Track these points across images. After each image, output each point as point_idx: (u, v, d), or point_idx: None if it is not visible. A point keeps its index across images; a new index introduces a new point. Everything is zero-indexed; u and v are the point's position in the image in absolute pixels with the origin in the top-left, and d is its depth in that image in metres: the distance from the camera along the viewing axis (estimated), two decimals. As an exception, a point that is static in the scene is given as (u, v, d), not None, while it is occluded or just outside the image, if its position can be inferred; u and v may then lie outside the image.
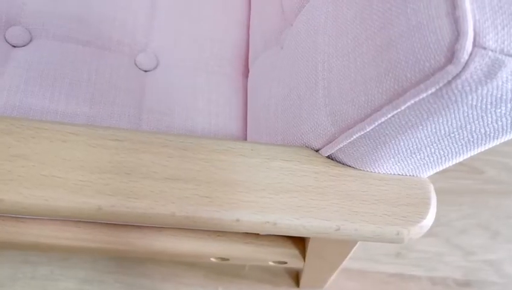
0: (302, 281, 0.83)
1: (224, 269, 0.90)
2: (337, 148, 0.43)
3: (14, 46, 0.62)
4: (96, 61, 0.64)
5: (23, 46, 0.63)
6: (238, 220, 0.42)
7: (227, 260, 0.68)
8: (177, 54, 0.68)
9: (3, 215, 0.61)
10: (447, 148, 0.40)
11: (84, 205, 0.40)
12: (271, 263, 0.70)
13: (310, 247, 0.61)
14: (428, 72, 0.32)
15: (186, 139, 0.44)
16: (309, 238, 0.67)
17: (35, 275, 0.85)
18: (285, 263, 0.69)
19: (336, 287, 0.91)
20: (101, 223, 0.64)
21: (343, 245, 0.58)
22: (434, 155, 0.41)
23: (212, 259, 0.68)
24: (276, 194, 0.43)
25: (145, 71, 0.66)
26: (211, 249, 0.65)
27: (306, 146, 0.47)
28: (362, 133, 0.39)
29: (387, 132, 0.38)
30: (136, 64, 0.66)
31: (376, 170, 0.45)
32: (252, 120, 0.64)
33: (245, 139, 0.65)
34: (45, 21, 0.65)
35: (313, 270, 0.74)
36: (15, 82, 0.60)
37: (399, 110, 0.35)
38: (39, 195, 0.39)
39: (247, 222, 0.42)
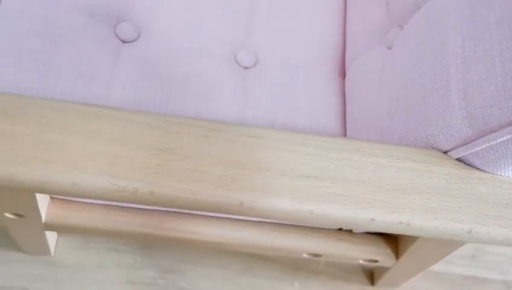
0: (382, 280, 0.83)
1: (299, 264, 0.91)
2: (472, 151, 0.43)
3: (124, 42, 0.65)
4: (200, 57, 0.66)
5: (132, 41, 0.65)
6: (373, 220, 0.42)
7: (320, 256, 0.69)
8: (275, 51, 0.69)
9: (110, 205, 0.64)
10: None
11: (228, 200, 0.41)
12: (361, 261, 0.70)
13: (412, 247, 0.61)
14: None
15: (319, 138, 0.45)
16: (403, 237, 0.67)
17: (120, 263, 0.87)
18: (377, 261, 0.69)
19: (411, 287, 0.91)
20: (201, 215, 0.66)
21: (449, 247, 0.58)
22: None
23: (305, 255, 0.69)
24: (409, 195, 0.43)
25: (246, 68, 0.68)
26: (307, 245, 0.66)
27: (432, 147, 0.47)
28: (509, 137, 0.39)
29: (537, 137, 0.38)
30: (236, 61, 0.68)
31: (506, 174, 0.45)
32: (352, 119, 0.65)
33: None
34: (152, 17, 0.67)
35: (400, 270, 0.74)
36: (128, 77, 0.62)
37: (559, 116, 0.35)
38: (186, 188, 0.41)
39: (382, 222, 0.43)
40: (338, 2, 0.74)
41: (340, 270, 0.92)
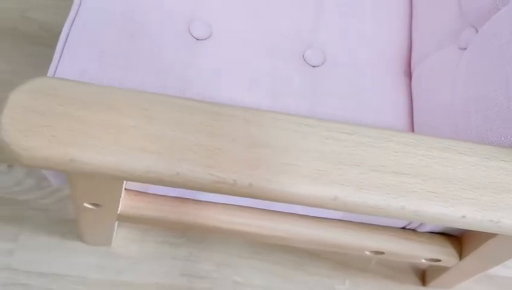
0: (437, 280, 0.83)
1: (350, 262, 0.92)
2: None
3: (198, 39, 0.66)
4: (269, 55, 0.67)
5: (205, 39, 0.66)
6: (463, 217, 0.43)
7: (382, 253, 0.70)
8: (342, 51, 0.70)
9: (182, 198, 0.65)
10: None
11: (322, 194, 0.42)
12: (423, 261, 0.71)
13: (482, 247, 0.61)
14: None
15: (408, 136, 0.46)
16: (469, 237, 0.67)
17: (176, 256, 0.89)
18: (439, 261, 0.70)
19: (463, 289, 0.91)
20: (268, 210, 0.67)
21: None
22: None
23: (367, 252, 0.70)
24: (498, 193, 0.44)
25: (314, 66, 0.69)
26: (371, 242, 0.67)
27: (518, 147, 0.47)
28: None
29: None
30: (304, 60, 0.69)
31: None
32: (420, 118, 0.65)
33: (411, 136, 0.66)
34: (223, 16, 0.68)
35: (460, 271, 0.74)
36: (202, 74, 0.63)
37: None
38: (281, 181, 0.42)
39: (472, 219, 0.43)
40: (404, 2, 0.74)
41: (391, 269, 0.92)
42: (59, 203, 0.88)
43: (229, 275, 0.89)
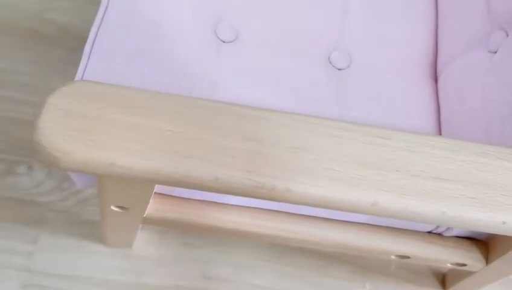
0: (457, 285, 0.83)
1: (370, 265, 0.91)
2: None
3: (224, 42, 0.66)
4: (295, 57, 0.67)
5: (231, 42, 0.66)
6: (504, 223, 0.43)
7: (408, 258, 0.69)
8: (368, 53, 0.70)
9: (206, 201, 0.65)
10: None
11: (361, 199, 0.42)
12: (449, 265, 0.70)
13: (511, 252, 0.61)
14: None
15: (446, 140, 0.45)
16: (496, 242, 0.67)
17: (195, 258, 0.89)
18: (465, 265, 0.69)
19: (483, 292, 0.91)
20: (296, 214, 0.66)
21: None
22: None
23: (392, 256, 0.70)
24: (538, 199, 0.43)
25: (339, 69, 0.68)
26: (397, 246, 0.67)
27: (556, 152, 0.47)
28: None
29: None
30: (330, 62, 0.68)
31: None
32: (448, 122, 0.65)
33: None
34: (249, 18, 0.68)
35: (485, 275, 0.73)
36: (229, 77, 0.63)
37: None
38: (320, 186, 0.42)
39: (513, 225, 0.43)
40: (430, 4, 0.74)
41: (412, 273, 0.91)
42: (79, 205, 0.88)
43: (248, 277, 0.89)
